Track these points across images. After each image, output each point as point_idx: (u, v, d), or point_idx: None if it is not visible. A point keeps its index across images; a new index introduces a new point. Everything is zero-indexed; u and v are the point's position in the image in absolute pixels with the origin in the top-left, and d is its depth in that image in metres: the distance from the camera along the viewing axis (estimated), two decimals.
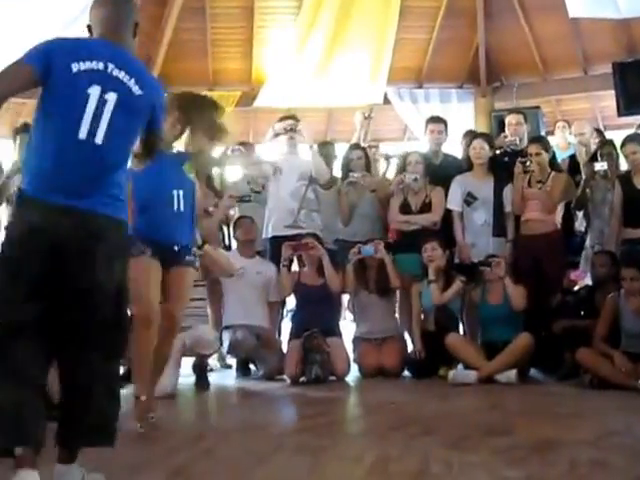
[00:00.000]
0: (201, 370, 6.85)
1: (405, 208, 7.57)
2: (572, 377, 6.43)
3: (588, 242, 7.55)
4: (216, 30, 11.84)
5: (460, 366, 6.84)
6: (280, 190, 7.67)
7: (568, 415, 5.09)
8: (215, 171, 8.17)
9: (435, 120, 8.31)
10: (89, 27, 3.35)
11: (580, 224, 8.00)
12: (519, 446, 4.10)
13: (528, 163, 7.20)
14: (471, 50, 12.19)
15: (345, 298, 8.21)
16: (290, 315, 8.17)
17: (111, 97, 3.14)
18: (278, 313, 7.75)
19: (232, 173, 8.37)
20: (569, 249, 7.60)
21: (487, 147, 7.57)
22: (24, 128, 7.32)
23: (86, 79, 3.11)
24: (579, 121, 9.33)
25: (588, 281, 7.29)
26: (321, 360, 6.86)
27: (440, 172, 7.74)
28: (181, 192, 4.73)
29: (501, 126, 9.49)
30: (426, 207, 7.54)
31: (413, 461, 3.80)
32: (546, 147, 7.46)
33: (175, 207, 4.70)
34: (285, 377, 7.01)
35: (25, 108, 10.71)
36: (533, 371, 6.91)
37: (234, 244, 7.93)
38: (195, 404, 6.54)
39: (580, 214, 7.92)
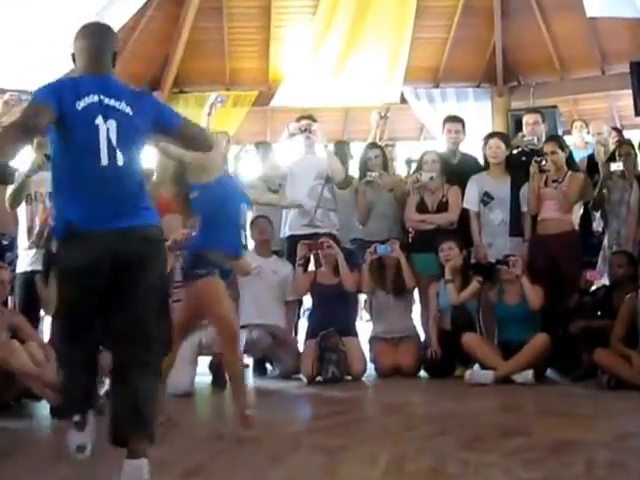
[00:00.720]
0: (217, 369, 6.86)
1: (422, 207, 7.56)
2: (589, 378, 6.39)
3: (605, 242, 7.52)
4: (233, 30, 11.86)
5: (477, 366, 6.83)
6: (297, 189, 7.68)
7: (585, 416, 5.07)
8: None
9: (453, 119, 8.28)
10: (73, 56, 3.65)
11: (598, 224, 7.96)
12: (535, 447, 4.09)
13: (544, 162, 7.17)
14: (488, 49, 12.17)
15: (362, 298, 8.20)
16: (307, 314, 8.16)
17: (112, 124, 3.44)
18: (294, 312, 7.75)
19: (248, 173, 8.37)
20: (587, 249, 7.56)
21: (503, 146, 7.55)
22: None
23: (91, 112, 3.42)
24: (597, 120, 9.30)
25: (605, 281, 7.25)
26: (337, 360, 6.86)
27: (458, 171, 7.72)
28: (243, 206, 5.22)
29: (518, 125, 9.45)
30: (443, 206, 7.52)
31: (429, 461, 3.79)
32: (562, 146, 7.42)
33: (238, 220, 5.13)
34: (301, 376, 7.02)
35: None
36: (550, 371, 6.89)
37: (250, 243, 7.94)
38: (211, 403, 6.55)
39: (597, 214, 7.88)
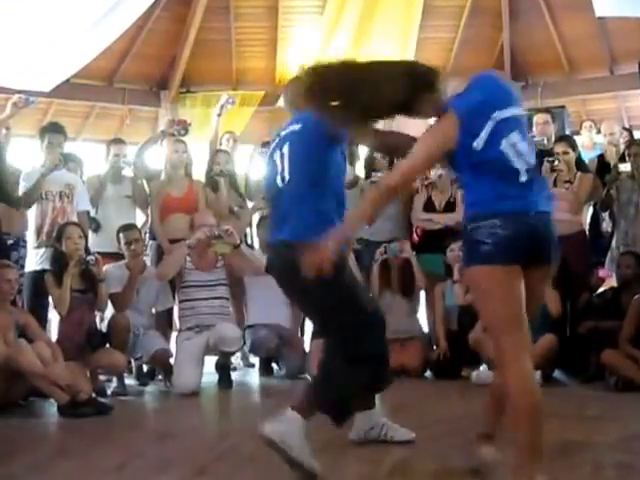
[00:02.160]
0: (224, 368, 6.87)
1: (429, 206, 7.55)
2: (597, 379, 6.39)
3: (614, 243, 7.50)
4: (240, 30, 11.85)
5: (483, 367, 6.81)
6: None
7: (593, 417, 5.06)
8: (240, 172, 8.23)
9: None
10: None
11: (606, 225, 7.94)
12: (543, 448, 4.08)
13: (556, 162, 7.15)
14: (496, 49, 12.14)
15: None
16: None
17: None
18: (300, 313, 7.73)
19: (256, 172, 8.38)
20: (595, 250, 7.54)
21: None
22: (52, 128, 7.31)
23: None
24: (608, 120, 9.26)
25: (614, 282, 7.24)
26: None
27: None
28: None
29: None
30: (450, 206, 7.51)
31: (435, 461, 3.79)
32: (573, 146, 7.41)
33: None
34: (307, 376, 7.00)
35: (52, 108, 10.80)
36: (557, 373, 6.87)
37: (256, 243, 7.95)
38: (218, 402, 6.56)
39: (606, 215, 7.86)
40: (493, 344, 3.30)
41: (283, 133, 3.96)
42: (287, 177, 3.84)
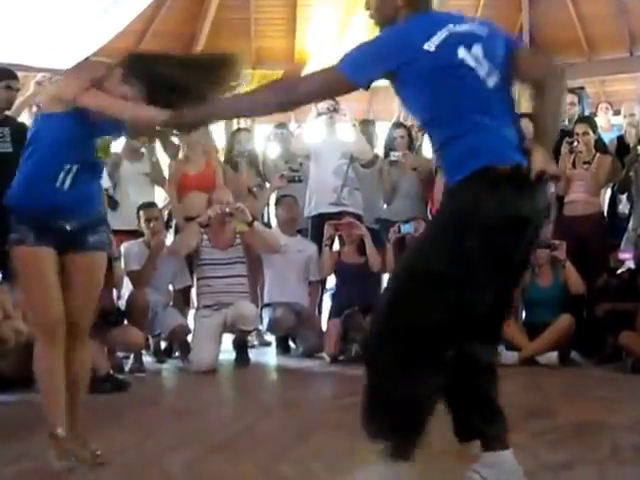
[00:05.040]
0: (241, 346, 6.89)
1: None
2: (614, 360, 6.38)
3: (631, 225, 7.47)
4: (259, 8, 11.82)
5: (501, 347, 6.82)
6: (322, 168, 7.68)
7: (610, 399, 5.05)
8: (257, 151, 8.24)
9: None
10: None
11: (624, 207, 7.91)
12: (560, 429, 4.09)
13: (575, 143, 7.13)
14: (515, 29, 12.03)
15: (384, 278, 8.20)
16: (330, 293, 8.18)
17: None
18: (318, 292, 7.76)
19: (273, 152, 8.39)
20: (612, 232, 7.52)
21: (531, 128, 7.48)
22: None
23: None
24: (628, 102, 9.20)
25: (631, 264, 7.22)
26: (361, 338, 6.87)
27: None
28: None
29: None
30: None
31: (453, 440, 3.79)
32: (593, 128, 7.39)
33: None
34: (324, 355, 7.02)
35: None
36: (574, 354, 6.86)
37: (274, 222, 7.96)
38: (235, 380, 6.58)
39: (624, 197, 7.83)
40: None
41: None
42: None
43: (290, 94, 3.05)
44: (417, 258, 2.96)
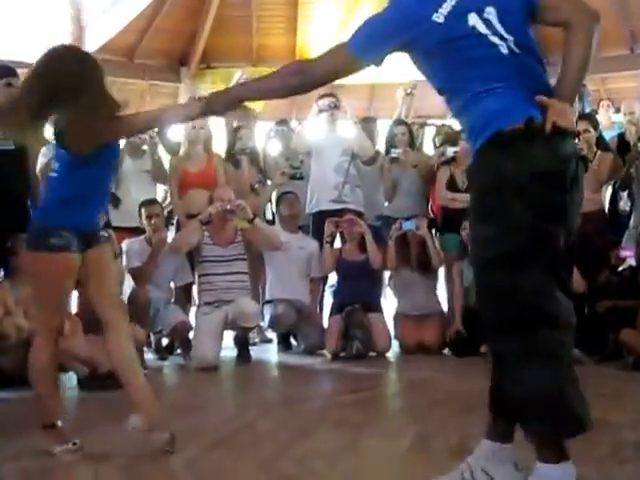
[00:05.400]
0: (243, 343, 6.90)
1: (452, 185, 7.54)
2: (615, 358, 6.38)
3: (632, 222, 7.47)
4: (261, 6, 11.83)
5: None
6: (323, 165, 7.69)
7: (611, 396, 5.04)
8: (258, 148, 8.24)
9: None
10: None
11: (624, 204, 7.91)
12: None
13: (577, 141, 7.12)
14: None
15: (386, 275, 8.20)
16: (331, 290, 8.18)
17: None
18: (319, 288, 7.77)
19: (274, 149, 8.39)
20: (613, 229, 7.52)
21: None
22: None
23: None
24: (628, 99, 9.19)
25: (632, 262, 7.22)
26: (362, 336, 6.88)
27: None
28: None
29: None
30: None
31: (453, 438, 3.80)
32: (595, 125, 7.39)
33: None
34: (326, 352, 7.03)
35: None
36: (575, 351, 6.85)
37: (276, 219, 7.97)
38: (236, 377, 6.59)
39: (625, 194, 7.83)
40: None
41: None
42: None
43: (309, 75, 3.05)
44: (482, 246, 2.90)
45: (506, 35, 2.88)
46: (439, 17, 2.82)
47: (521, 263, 2.77)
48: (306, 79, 3.05)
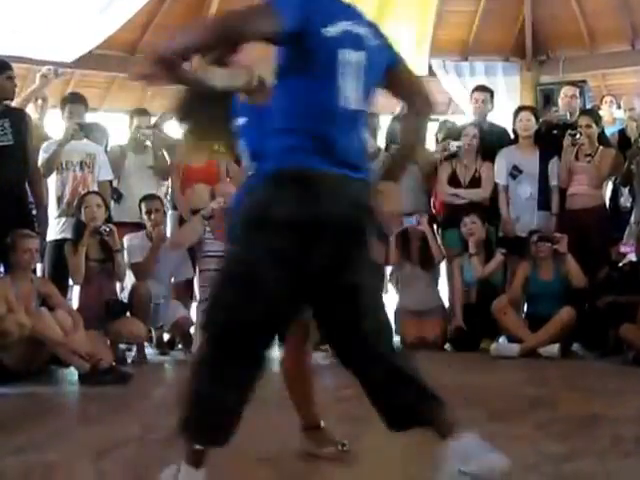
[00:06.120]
0: None
1: (454, 181, 7.54)
2: (615, 353, 6.40)
3: (633, 218, 7.47)
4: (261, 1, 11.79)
5: (502, 339, 6.84)
6: None
7: (611, 391, 5.07)
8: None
9: (480, 89, 8.23)
10: None
11: (625, 200, 7.91)
12: (562, 420, 4.10)
13: (578, 136, 7.13)
14: (517, 23, 12.03)
15: (387, 270, 8.20)
16: None
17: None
18: None
19: None
20: (614, 225, 7.52)
21: (533, 119, 7.53)
22: (72, 98, 7.38)
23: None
24: (628, 95, 9.19)
25: (632, 257, 7.23)
26: None
27: (485, 142, 7.67)
28: None
29: (547, 100, 9.38)
30: (475, 182, 7.48)
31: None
32: (597, 120, 7.39)
33: None
34: (327, 347, 7.02)
35: (74, 78, 10.80)
36: (576, 346, 6.88)
37: None
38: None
39: (625, 190, 7.82)
40: None
41: None
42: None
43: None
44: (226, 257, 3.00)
45: (359, 85, 2.83)
46: (326, 32, 2.74)
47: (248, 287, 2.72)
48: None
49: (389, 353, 2.94)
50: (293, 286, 2.72)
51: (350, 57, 2.78)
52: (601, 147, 7.27)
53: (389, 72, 2.93)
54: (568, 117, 7.79)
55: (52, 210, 6.91)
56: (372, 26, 2.93)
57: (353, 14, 2.88)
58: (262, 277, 2.68)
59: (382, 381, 2.93)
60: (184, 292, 7.32)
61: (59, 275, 6.59)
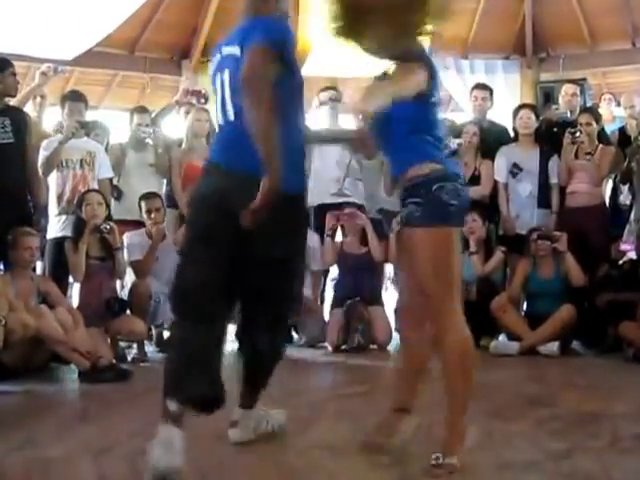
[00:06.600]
0: None
1: None
2: (614, 351, 6.40)
3: (632, 216, 7.47)
4: None
5: (502, 337, 6.85)
6: (324, 159, 7.67)
7: (610, 388, 5.08)
8: None
9: (480, 87, 8.26)
10: None
11: (625, 198, 7.91)
12: (561, 418, 4.11)
13: (578, 134, 7.14)
14: (517, 20, 12.03)
15: (387, 269, 8.21)
16: (332, 284, 8.19)
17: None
18: (320, 281, 7.77)
19: None
20: (614, 223, 7.53)
21: (534, 117, 7.53)
22: (72, 96, 7.38)
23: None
24: (628, 93, 9.19)
25: (632, 255, 7.23)
26: (363, 328, 6.89)
27: (485, 139, 7.68)
28: None
29: (547, 98, 9.38)
30: (475, 180, 7.49)
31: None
32: (597, 118, 7.39)
33: None
34: (327, 345, 7.04)
35: (74, 76, 10.81)
36: (575, 344, 6.89)
37: None
38: (237, 370, 6.58)
39: (625, 188, 7.83)
40: (436, 306, 3.46)
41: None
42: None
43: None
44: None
45: (229, 98, 3.20)
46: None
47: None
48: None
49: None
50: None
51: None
52: (601, 145, 7.27)
53: None
54: (568, 115, 7.80)
55: (52, 208, 6.91)
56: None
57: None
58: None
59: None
60: None
61: (59, 273, 6.59)
